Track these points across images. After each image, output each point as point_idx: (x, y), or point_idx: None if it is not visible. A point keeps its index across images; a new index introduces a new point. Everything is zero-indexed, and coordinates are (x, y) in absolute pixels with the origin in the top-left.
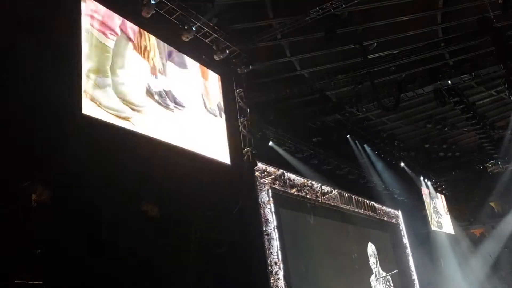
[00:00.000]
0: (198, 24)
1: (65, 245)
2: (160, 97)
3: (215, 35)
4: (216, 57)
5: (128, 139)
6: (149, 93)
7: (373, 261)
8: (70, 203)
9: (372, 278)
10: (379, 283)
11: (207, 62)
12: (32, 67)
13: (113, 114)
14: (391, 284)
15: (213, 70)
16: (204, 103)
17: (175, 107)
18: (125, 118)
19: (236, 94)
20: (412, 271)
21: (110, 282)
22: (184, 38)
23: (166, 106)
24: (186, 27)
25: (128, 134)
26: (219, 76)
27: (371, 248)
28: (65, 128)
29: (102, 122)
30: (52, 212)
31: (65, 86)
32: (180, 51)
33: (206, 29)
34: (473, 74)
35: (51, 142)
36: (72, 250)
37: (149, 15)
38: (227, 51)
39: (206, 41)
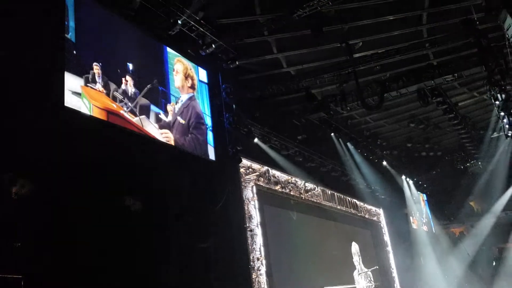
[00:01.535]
0: (184, 17)
1: (46, 239)
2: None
3: (202, 29)
4: (202, 52)
5: (111, 132)
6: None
7: (356, 258)
8: (51, 196)
9: (355, 273)
10: (361, 277)
11: (193, 56)
12: (14, 59)
13: (98, 107)
14: (372, 279)
15: (199, 65)
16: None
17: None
18: (113, 111)
19: (222, 90)
20: (393, 268)
21: (92, 276)
22: (170, 32)
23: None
24: (172, 21)
25: (112, 128)
26: (206, 72)
27: (354, 247)
28: (47, 120)
29: (85, 115)
30: (32, 205)
31: (47, 79)
32: (165, 45)
33: (192, 23)
34: (456, 75)
35: (33, 134)
36: (53, 244)
37: (135, 7)
38: (213, 46)
39: (192, 35)
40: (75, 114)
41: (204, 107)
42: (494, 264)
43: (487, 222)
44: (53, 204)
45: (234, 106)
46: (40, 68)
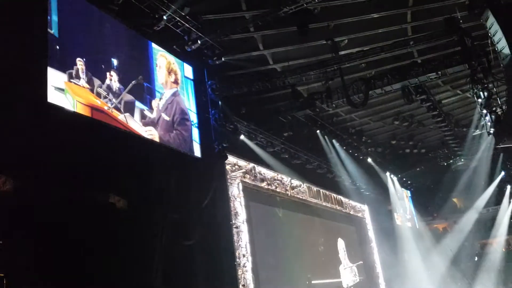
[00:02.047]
0: (169, 13)
1: (28, 237)
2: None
3: (187, 25)
4: (187, 48)
5: (96, 129)
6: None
7: (342, 254)
8: (34, 194)
9: (341, 267)
10: (347, 272)
11: (178, 52)
12: None
13: (82, 103)
14: (356, 273)
15: (184, 61)
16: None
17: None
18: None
19: (207, 86)
20: (377, 264)
21: (75, 274)
22: (155, 28)
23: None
24: (157, 16)
25: (96, 125)
26: (192, 68)
27: (340, 244)
28: (30, 116)
29: (68, 111)
30: (15, 202)
31: (30, 74)
32: (150, 40)
33: (178, 18)
34: (440, 73)
35: (15, 131)
36: (36, 242)
37: (120, 2)
38: (199, 42)
39: (177, 31)
40: (59, 110)
41: (189, 103)
42: (476, 259)
43: (470, 218)
44: (35, 201)
45: (220, 102)
46: (22, 63)
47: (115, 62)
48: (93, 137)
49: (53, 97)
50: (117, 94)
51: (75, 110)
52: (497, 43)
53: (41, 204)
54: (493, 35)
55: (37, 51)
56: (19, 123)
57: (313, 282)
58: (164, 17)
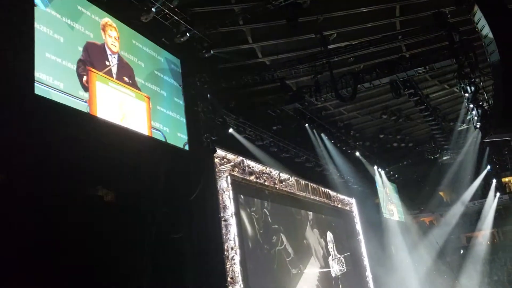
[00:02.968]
0: (157, 5)
1: (15, 230)
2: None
3: (176, 17)
4: (176, 40)
5: (83, 121)
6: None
7: (330, 246)
8: (21, 187)
9: (330, 258)
10: (335, 262)
11: (167, 45)
12: None
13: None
14: (344, 264)
15: (173, 54)
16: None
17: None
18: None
19: (196, 79)
20: (364, 257)
21: (63, 268)
22: (143, 19)
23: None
24: (145, 8)
25: (84, 116)
26: (180, 60)
27: (329, 236)
28: (16, 109)
29: (56, 103)
30: (1, 196)
31: (16, 66)
32: (138, 33)
33: (166, 10)
34: (428, 67)
35: (1, 123)
36: (23, 235)
37: None
38: (187, 34)
39: (166, 23)
40: (45, 102)
41: (178, 96)
42: (461, 252)
43: (456, 212)
44: (23, 194)
45: (208, 95)
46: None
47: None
48: (81, 129)
49: (40, 89)
50: None
51: (62, 102)
52: (484, 37)
53: (28, 197)
54: (481, 30)
55: (24, 42)
56: (4, 116)
57: (303, 271)
58: (153, 9)
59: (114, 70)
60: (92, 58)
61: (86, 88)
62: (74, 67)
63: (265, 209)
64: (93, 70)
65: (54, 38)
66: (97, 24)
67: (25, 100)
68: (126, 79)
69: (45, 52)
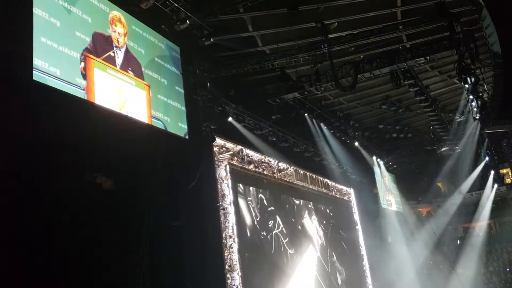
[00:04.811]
0: None
1: (14, 216)
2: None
3: (176, 4)
4: (176, 28)
5: (81, 108)
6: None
7: (328, 234)
8: (18, 174)
9: (328, 247)
10: (333, 251)
11: (166, 32)
12: None
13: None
14: (341, 253)
15: (172, 41)
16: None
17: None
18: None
19: (196, 68)
20: (361, 247)
21: (60, 254)
22: (142, 6)
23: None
24: None
25: (82, 103)
26: (179, 48)
27: (326, 226)
28: (14, 95)
29: (54, 89)
30: None
31: (14, 52)
32: (138, 20)
33: None
34: (428, 58)
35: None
36: (20, 223)
37: None
38: (187, 22)
39: (166, 10)
40: (44, 89)
41: (179, 85)
42: (458, 242)
43: (453, 203)
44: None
45: (208, 84)
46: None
47: None
48: (79, 117)
49: (38, 75)
50: None
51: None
52: (486, 28)
53: (25, 184)
54: (483, 20)
55: (22, 28)
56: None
57: (301, 258)
58: None
59: (119, 61)
60: (98, 48)
61: (84, 76)
62: (71, 52)
63: (261, 195)
64: (91, 56)
65: (50, 22)
66: (95, 8)
67: (23, 86)
68: (130, 72)
69: (41, 37)
